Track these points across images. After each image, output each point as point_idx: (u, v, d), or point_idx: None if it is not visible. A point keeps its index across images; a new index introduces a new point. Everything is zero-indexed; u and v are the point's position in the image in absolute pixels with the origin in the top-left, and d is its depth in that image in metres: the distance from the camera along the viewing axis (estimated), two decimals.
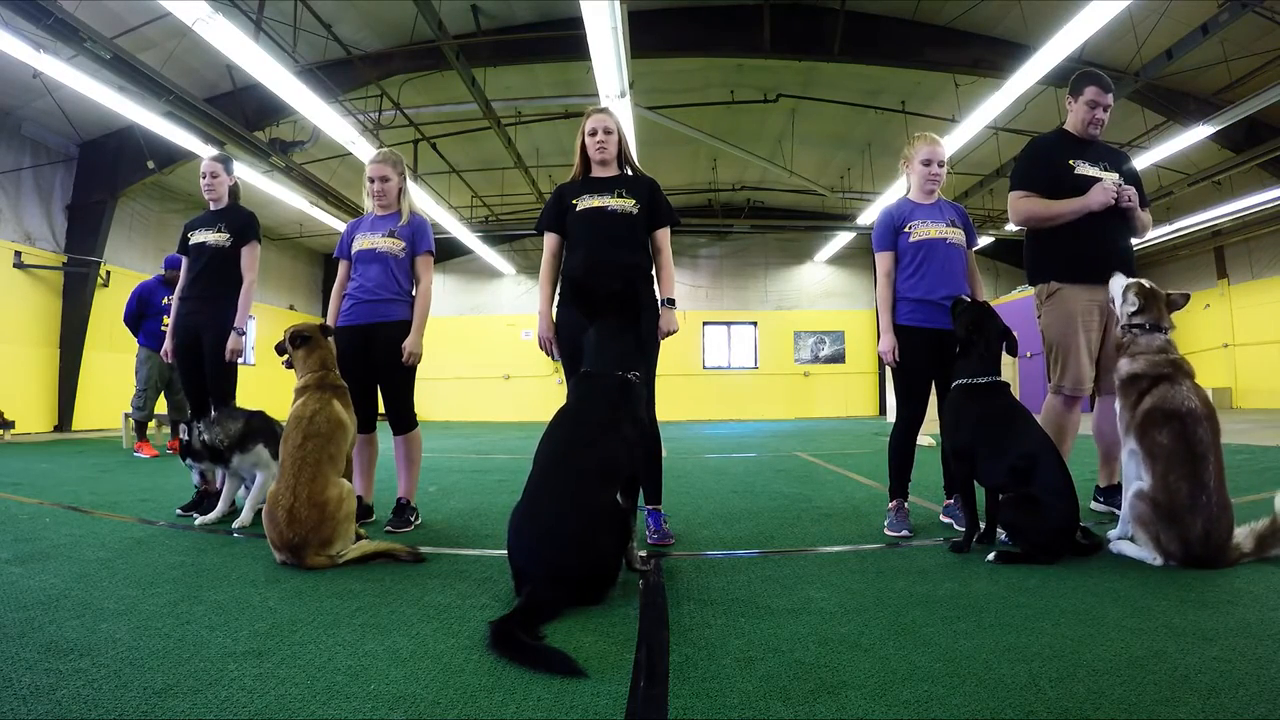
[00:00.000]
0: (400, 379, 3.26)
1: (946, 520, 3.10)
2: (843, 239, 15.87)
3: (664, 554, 2.62)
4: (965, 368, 2.74)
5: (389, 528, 3.08)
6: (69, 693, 1.37)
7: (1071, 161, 2.99)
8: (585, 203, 2.90)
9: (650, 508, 2.92)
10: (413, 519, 3.19)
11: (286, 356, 2.92)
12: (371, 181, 3.29)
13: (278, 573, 2.34)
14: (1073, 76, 3.09)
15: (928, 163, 3.03)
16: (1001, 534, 2.71)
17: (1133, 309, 2.57)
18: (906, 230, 3.01)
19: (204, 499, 3.50)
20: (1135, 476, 2.39)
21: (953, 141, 9.28)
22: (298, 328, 2.96)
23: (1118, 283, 2.68)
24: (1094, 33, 6.46)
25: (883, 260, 3.09)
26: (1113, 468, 3.17)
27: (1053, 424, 3.01)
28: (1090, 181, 2.96)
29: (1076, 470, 2.66)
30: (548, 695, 1.38)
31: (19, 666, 1.49)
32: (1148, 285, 2.59)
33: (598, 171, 2.99)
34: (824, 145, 12.65)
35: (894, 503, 3.00)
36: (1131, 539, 2.38)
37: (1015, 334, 2.78)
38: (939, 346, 2.94)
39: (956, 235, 3.02)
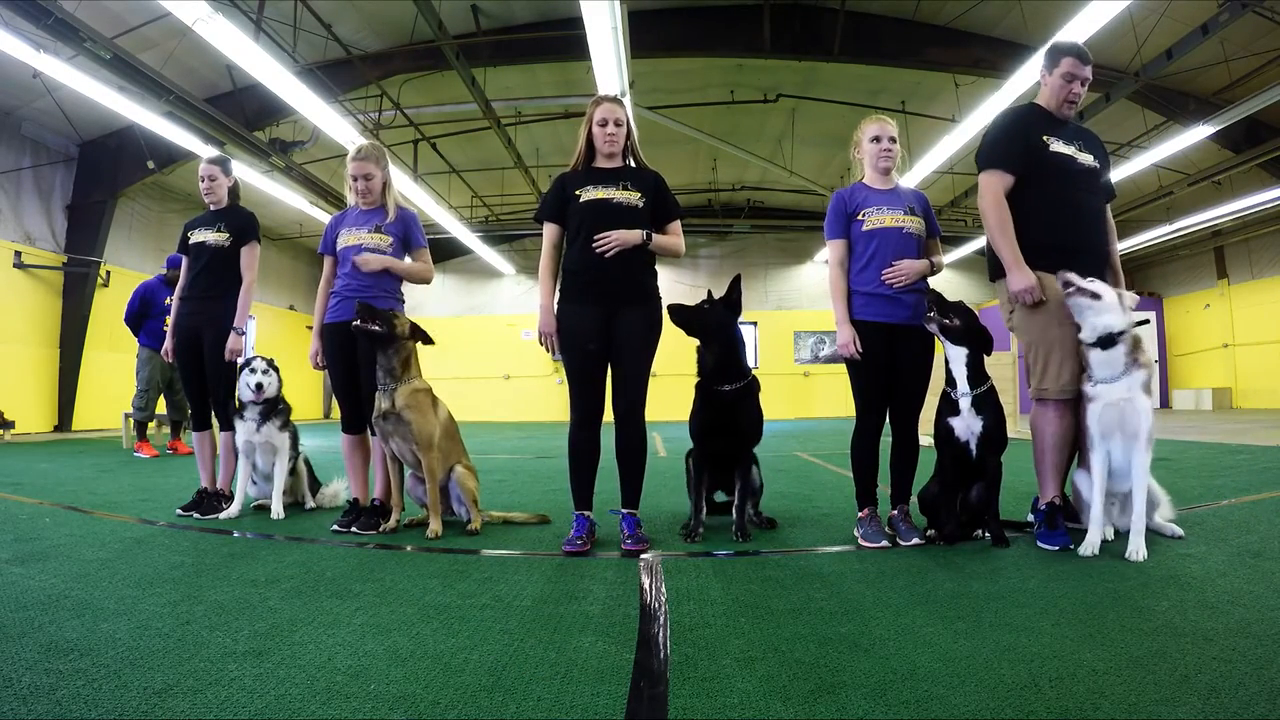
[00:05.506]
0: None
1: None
2: None
3: (664, 554, 2.63)
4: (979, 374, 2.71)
5: (355, 529, 3.07)
6: (69, 693, 1.37)
7: (1046, 138, 2.70)
8: (590, 194, 2.77)
9: (626, 511, 2.80)
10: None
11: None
12: (355, 180, 3.19)
13: (278, 572, 2.34)
14: (1046, 47, 2.78)
15: (877, 139, 2.81)
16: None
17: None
18: (860, 218, 2.80)
19: (204, 499, 3.50)
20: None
21: (953, 141, 9.27)
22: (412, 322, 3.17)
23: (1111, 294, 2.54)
24: (1094, 33, 6.45)
25: (834, 249, 2.86)
26: None
27: (1053, 440, 2.65)
28: (1065, 159, 2.69)
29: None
30: (548, 695, 1.38)
31: (19, 666, 1.49)
32: None
33: (602, 163, 2.88)
34: (824, 145, 12.63)
35: (864, 512, 2.81)
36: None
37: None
38: (892, 342, 2.75)
39: (914, 224, 2.80)
